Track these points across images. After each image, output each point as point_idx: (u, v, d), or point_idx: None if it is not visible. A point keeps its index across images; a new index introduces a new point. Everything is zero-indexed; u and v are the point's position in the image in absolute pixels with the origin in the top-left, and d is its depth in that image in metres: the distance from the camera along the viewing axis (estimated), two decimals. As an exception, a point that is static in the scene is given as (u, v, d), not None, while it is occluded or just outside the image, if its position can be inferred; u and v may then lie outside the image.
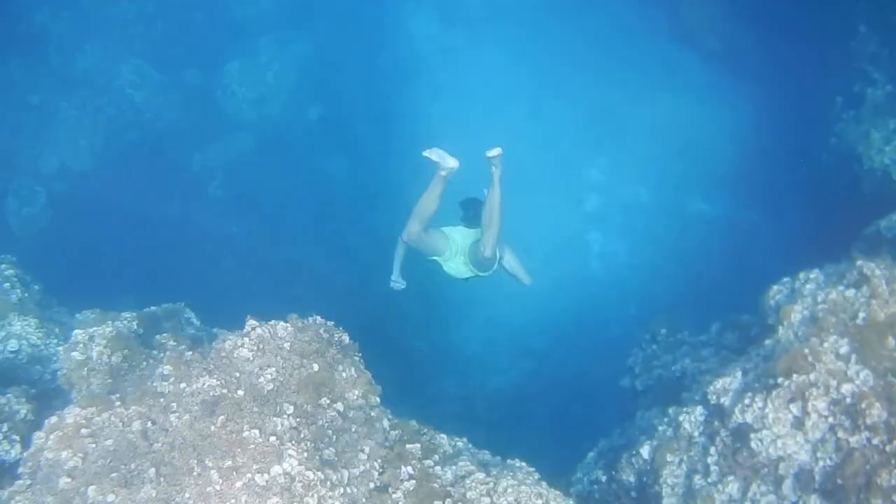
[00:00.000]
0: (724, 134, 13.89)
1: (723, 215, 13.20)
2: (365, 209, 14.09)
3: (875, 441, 4.65)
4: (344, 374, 5.21)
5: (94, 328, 5.98)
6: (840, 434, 4.78)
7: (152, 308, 7.28)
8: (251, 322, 5.22)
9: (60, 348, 5.95)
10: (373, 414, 5.25)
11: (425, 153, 7.56)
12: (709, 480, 5.36)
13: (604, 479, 6.61)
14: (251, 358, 5.04)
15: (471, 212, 7.84)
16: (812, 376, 4.91)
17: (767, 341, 5.45)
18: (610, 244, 13.31)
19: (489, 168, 7.52)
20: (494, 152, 7.41)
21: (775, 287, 5.95)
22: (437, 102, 15.05)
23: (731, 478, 5.22)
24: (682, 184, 13.61)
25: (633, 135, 14.09)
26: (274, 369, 4.97)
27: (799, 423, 4.91)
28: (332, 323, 5.64)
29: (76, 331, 5.97)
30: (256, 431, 4.64)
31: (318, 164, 14.66)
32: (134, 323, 6.26)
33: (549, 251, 12.91)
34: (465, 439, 5.88)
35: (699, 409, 5.63)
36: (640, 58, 14.55)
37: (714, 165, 13.69)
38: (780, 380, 5.00)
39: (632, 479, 6.12)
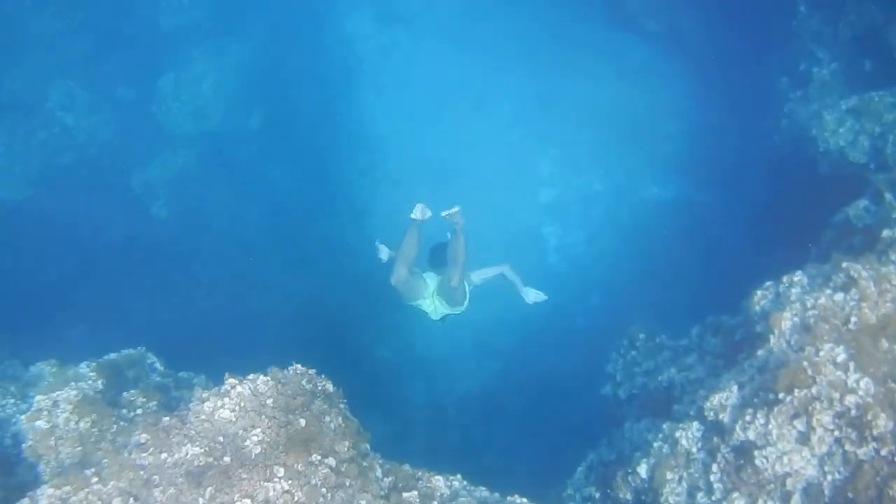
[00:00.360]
0: (671, 116, 13.87)
1: (677, 198, 13.19)
2: (317, 216, 13.74)
3: (884, 452, 4.60)
4: (332, 426, 4.98)
5: (58, 392, 5.66)
6: (847, 447, 4.71)
7: (112, 356, 6.97)
8: (230, 381, 4.97)
9: (23, 417, 5.60)
10: (365, 464, 5.04)
11: (413, 216, 7.82)
12: (713, 498, 5.26)
13: (597, 496, 6.50)
14: (234, 419, 4.79)
15: (437, 259, 8.02)
16: (814, 390, 4.82)
17: (760, 352, 5.35)
18: (567, 236, 13.20)
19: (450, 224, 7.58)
20: (452, 211, 7.53)
21: (759, 292, 5.86)
22: (380, 101, 14.72)
23: (735, 494, 5.13)
24: (634, 169, 13.57)
25: (581, 123, 13.98)
26: (260, 430, 4.73)
27: (804, 439, 4.82)
28: (314, 371, 5.37)
29: (38, 397, 5.66)
30: (248, 501, 4.39)
31: (264, 174, 14.35)
32: (99, 381, 5.94)
33: (506, 247, 12.69)
34: (459, 477, 5.68)
35: (695, 425, 5.52)
36: (582, 44, 14.45)
37: (664, 149, 13.69)
38: (781, 395, 4.90)
39: (629, 496, 6.00)
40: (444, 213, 7.49)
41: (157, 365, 7.05)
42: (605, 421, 7.69)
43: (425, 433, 11.80)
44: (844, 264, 5.39)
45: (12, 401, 6.75)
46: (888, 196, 7.14)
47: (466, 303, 8.16)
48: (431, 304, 8.30)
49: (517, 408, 11.87)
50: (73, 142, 14.21)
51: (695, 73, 13.82)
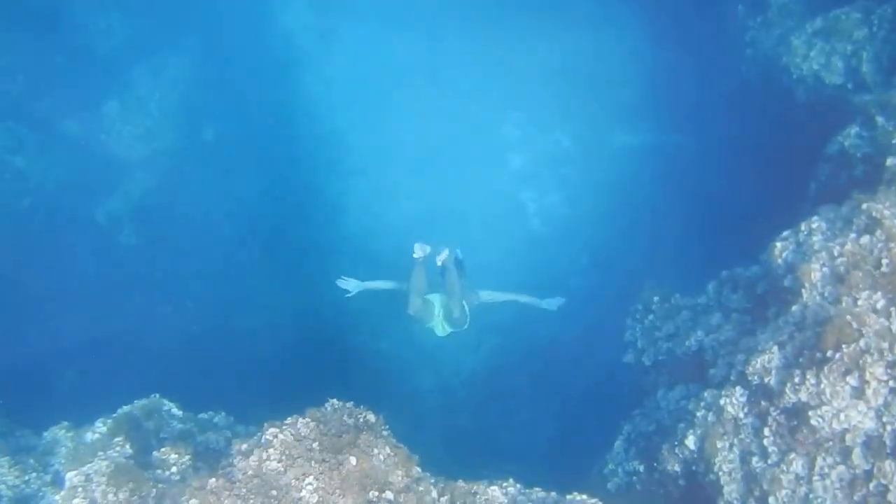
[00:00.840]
0: (627, 60, 13.70)
1: (649, 143, 13.06)
2: (291, 220, 13.45)
3: (942, 394, 4.50)
4: (381, 457, 4.84)
5: (88, 465, 5.44)
6: (904, 395, 4.61)
7: (126, 409, 6.79)
8: (271, 430, 4.80)
9: (58, 498, 5.37)
10: (420, 488, 4.90)
11: (415, 255, 8.56)
12: (769, 462, 5.20)
13: (642, 469, 6.42)
14: (283, 469, 4.63)
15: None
16: (862, 343, 4.75)
17: (794, 308, 5.26)
18: (544, 199, 13.07)
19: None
20: (442, 256, 8.52)
21: (780, 244, 5.77)
22: (332, 91, 14.39)
23: (792, 455, 5.05)
24: (599, 120, 13.43)
25: (538, 81, 13.78)
26: (312, 477, 4.57)
27: (859, 393, 4.75)
28: (351, 403, 5.20)
29: (69, 474, 5.45)
30: (317, 554, 4.23)
31: (228, 186, 13.96)
32: (126, 445, 5.72)
33: (486, 221, 12.57)
34: (512, 481, 5.54)
35: (739, 390, 5.44)
36: (519, 2, 14.13)
37: (625, 94, 13.51)
38: (829, 353, 4.80)
39: (677, 468, 5.92)
40: (438, 262, 8.49)
41: (175, 410, 6.88)
42: (632, 389, 7.59)
43: (440, 421, 11.67)
44: (865, 205, 5.31)
45: (34, 474, 6.52)
46: (880, 119, 7.05)
47: (468, 321, 9.15)
48: (439, 326, 9.29)
49: (524, 382, 11.73)
50: (27, 184, 13.78)
51: (643, 13, 13.62)
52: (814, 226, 5.65)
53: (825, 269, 5.24)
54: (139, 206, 13.85)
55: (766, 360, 5.21)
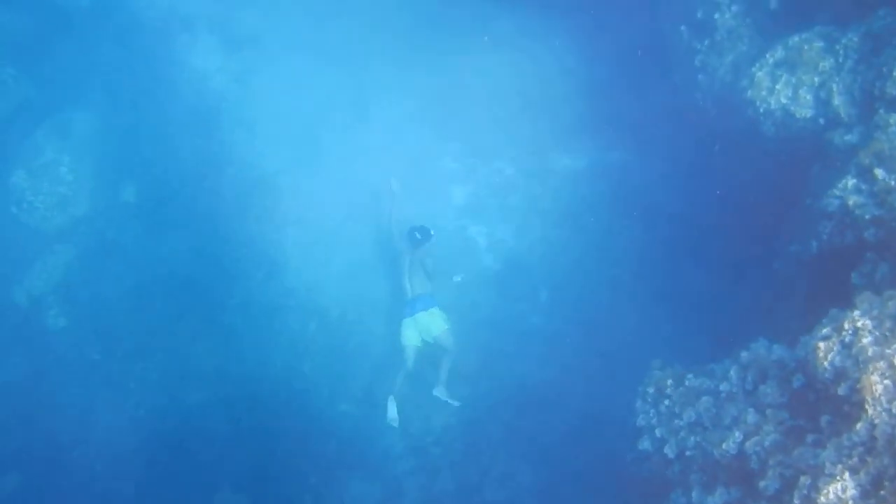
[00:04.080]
0: (561, 79, 13.28)
1: (591, 163, 12.70)
2: (228, 281, 12.68)
3: None
4: None
5: None
6: None
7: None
8: None
9: None
10: None
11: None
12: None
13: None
14: None
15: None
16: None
17: (859, 425, 4.92)
18: (495, 233, 12.59)
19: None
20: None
21: (822, 345, 5.41)
22: (255, 136, 13.61)
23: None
24: (539, 144, 13.02)
25: (472, 107, 13.27)
26: None
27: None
28: None
29: None
30: None
31: (156, 248, 13.09)
32: None
33: (437, 262, 12.02)
34: None
35: (805, 513, 5.05)
36: (448, 24, 13.61)
37: (563, 115, 13.14)
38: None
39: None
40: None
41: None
42: (651, 479, 7.20)
43: (417, 484, 11.18)
44: (914, 304, 4.94)
45: None
46: (879, 173, 6.77)
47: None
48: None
49: (499, 430, 11.30)
50: (-66, 273, 12.61)
51: (574, 29, 13.24)
52: (858, 324, 5.30)
53: (887, 381, 4.88)
54: (63, 281, 12.88)
55: (840, 490, 4.85)
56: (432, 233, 11.52)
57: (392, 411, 10.79)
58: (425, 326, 11.11)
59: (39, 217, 13.03)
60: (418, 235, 11.53)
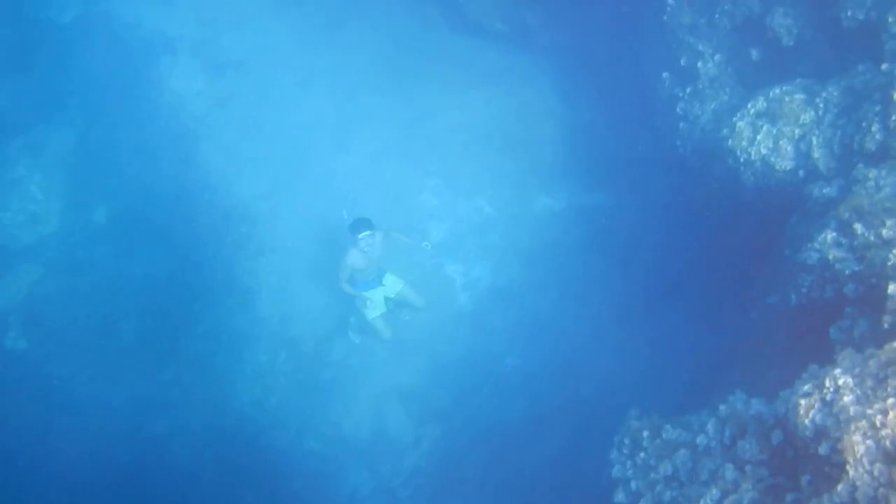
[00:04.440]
0: (543, 119, 13.33)
1: (570, 205, 12.67)
2: (198, 307, 12.49)
3: None
4: None
5: None
6: None
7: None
8: None
9: None
10: None
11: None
12: None
13: None
14: None
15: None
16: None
17: (841, 487, 4.85)
18: (471, 271, 12.49)
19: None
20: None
21: (803, 401, 5.35)
22: (233, 161, 13.49)
23: None
24: (519, 183, 13.00)
25: (453, 143, 13.26)
26: None
27: None
28: None
29: None
30: None
31: (126, 271, 12.90)
32: None
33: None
34: None
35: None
36: (433, 59, 13.61)
37: (544, 155, 13.15)
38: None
39: None
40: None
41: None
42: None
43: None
44: (884, 356, 4.91)
45: None
46: (859, 227, 6.77)
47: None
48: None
49: (472, 473, 11.14)
50: None
51: (557, 71, 13.30)
52: (840, 382, 5.25)
53: (869, 442, 4.83)
54: (26, 301, 12.61)
55: (820, 553, 4.75)
56: (345, 215, 10.80)
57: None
58: (388, 290, 11.26)
59: (6, 234, 12.86)
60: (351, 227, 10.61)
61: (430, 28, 14.03)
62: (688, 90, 10.42)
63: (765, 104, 8.96)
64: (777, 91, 8.96)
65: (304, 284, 12.43)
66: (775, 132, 8.71)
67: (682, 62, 10.52)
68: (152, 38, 14.41)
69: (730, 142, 9.06)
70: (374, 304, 11.12)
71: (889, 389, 5.01)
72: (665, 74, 10.84)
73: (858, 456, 4.83)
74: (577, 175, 12.80)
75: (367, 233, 10.28)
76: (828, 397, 5.23)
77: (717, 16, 10.10)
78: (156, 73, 14.12)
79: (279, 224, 12.94)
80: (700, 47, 10.35)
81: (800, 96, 8.72)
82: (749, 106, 9.07)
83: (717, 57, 10.24)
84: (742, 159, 8.95)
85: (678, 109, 10.48)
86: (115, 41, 14.42)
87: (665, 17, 10.64)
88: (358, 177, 13.04)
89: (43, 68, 14.21)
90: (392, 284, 11.24)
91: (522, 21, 13.31)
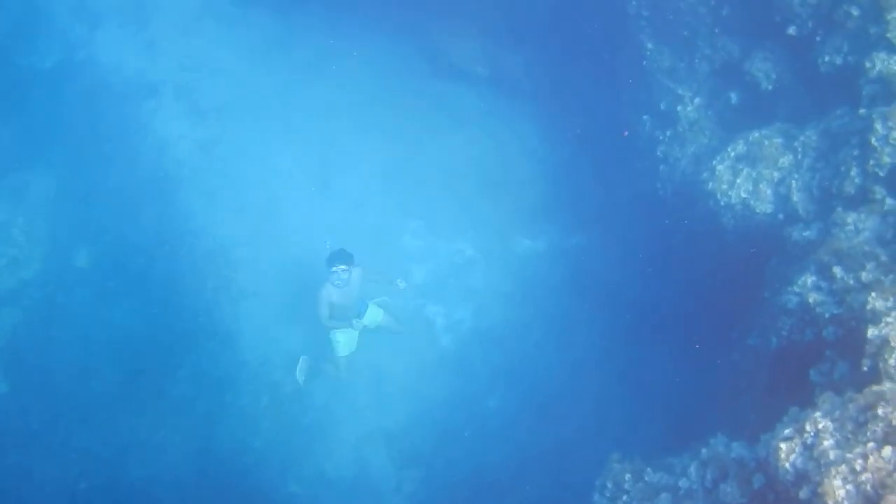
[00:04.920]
0: (523, 162, 13.39)
1: (551, 247, 12.71)
2: (179, 351, 12.41)
3: None
4: None
5: None
6: None
7: None
8: None
9: None
10: None
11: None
12: None
13: None
14: None
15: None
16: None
17: (821, 532, 4.80)
18: (453, 314, 12.49)
19: None
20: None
21: (784, 445, 5.35)
22: (216, 205, 13.47)
23: None
24: (500, 225, 13.01)
25: (434, 185, 13.30)
26: None
27: None
28: None
29: None
30: None
31: (107, 316, 12.83)
32: None
33: (395, 340, 11.89)
34: None
35: None
36: (411, 103, 13.67)
37: (525, 198, 13.19)
38: None
39: None
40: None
41: None
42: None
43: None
44: (881, 410, 4.92)
45: None
46: (838, 271, 6.81)
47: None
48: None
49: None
50: None
51: (538, 114, 13.39)
52: (820, 426, 5.26)
53: (849, 486, 4.83)
54: (7, 346, 12.54)
55: None
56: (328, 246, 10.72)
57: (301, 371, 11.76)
58: (368, 321, 11.21)
59: (-13, 278, 12.66)
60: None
61: (411, 72, 14.08)
62: (668, 133, 10.50)
63: (744, 147, 9.02)
64: (756, 134, 9.04)
65: (286, 328, 12.41)
66: (755, 175, 8.77)
67: (662, 106, 10.60)
68: (134, 83, 14.44)
69: (710, 185, 9.10)
70: (347, 344, 11.16)
71: (869, 433, 5.01)
72: (645, 117, 10.90)
73: (839, 501, 4.84)
74: (559, 217, 12.85)
75: (342, 267, 10.25)
76: (808, 441, 5.23)
77: (696, 60, 10.16)
78: (138, 118, 14.12)
79: (260, 268, 12.92)
80: (680, 91, 10.42)
81: (778, 140, 8.79)
82: (729, 149, 9.14)
83: (696, 100, 10.32)
84: (722, 202, 8.99)
85: (658, 152, 10.55)
86: (97, 86, 14.43)
87: (644, 62, 10.66)
88: (340, 220, 12.96)
89: (25, 113, 14.22)
90: (372, 316, 11.25)
91: (503, 65, 13.38)
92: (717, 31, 9.83)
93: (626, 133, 11.36)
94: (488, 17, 12.53)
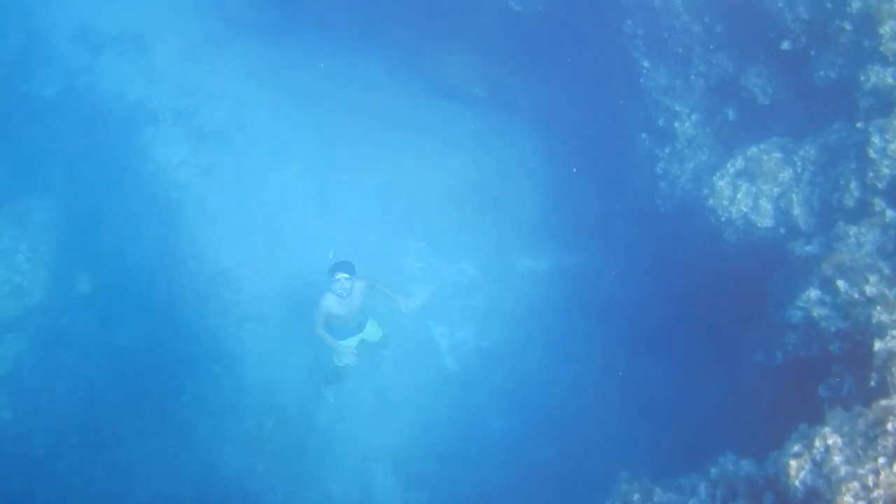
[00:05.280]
0: (522, 181, 13.46)
1: (553, 265, 12.74)
2: (183, 375, 12.41)
3: None
4: None
5: None
6: None
7: None
8: None
9: None
10: None
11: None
12: None
13: None
14: None
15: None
16: None
17: (833, 547, 4.80)
18: (456, 334, 12.49)
19: None
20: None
21: (794, 462, 5.35)
22: (218, 228, 13.51)
23: None
24: (502, 244, 13.07)
25: (435, 205, 13.36)
26: None
27: None
28: None
29: None
30: None
31: (110, 340, 12.81)
32: None
33: (398, 361, 11.91)
34: None
35: None
36: (413, 124, 13.76)
37: (526, 216, 13.24)
38: None
39: None
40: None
41: None
42: None
43: None
44: (890, 425, 4.93)
45: None
46: (841, 284, 6.83)
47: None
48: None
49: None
50: None
51: (535, 134, 13.46)
52: (829, 442, 5.27)
53: (861, 503, 4.82)
54: (11, 372, 12.52)
55: None
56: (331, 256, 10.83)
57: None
58: (368, 336, 11.17)
59: (-8, 306, 12.68)
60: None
61: (409, 93, 14.15)
62: (666, 150, 10.54)
63: (743, 163, 9.07)
64: (754, 150, 9.08)
65: (289, 350, 12.40)
66: (755, 191, 8.80)
67: (660, 123, 10.65)
68: (135, 109, 14.50)
69: (710, 201, 9.13)
70: (345, 355, 10.69)
71: (879, 449, 5.01)
72: (643, 135, 10.94)
73: (850, 516, 4.81)
74: (559, 235, 12.89)
75: (345, 276, 9.88)
76: (818, 458, 5.23)
77: (692, 77, 10.22)
78: (139, 144, 14.17)
79: (263, 290, 12.90)
80: (677, 108, 10.47)
81: (777, 155, 8.83)
82: (728, 165, 9.18)
83: (693, 117, 10.37)
84: (723, 218, 9.03)
85: (658, 169, 10.59)
86: (98, 113, 14.49)
87: (641, 80, 10.72)
88: (341, 241, 12.99)
89: (27, 140, 14.25)
90: (373, 333, 11.15)
91: (501, 85, 13.45)
92: (711, 47, 9.88)
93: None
94: (486, 38, 12.56)
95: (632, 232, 11.83)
